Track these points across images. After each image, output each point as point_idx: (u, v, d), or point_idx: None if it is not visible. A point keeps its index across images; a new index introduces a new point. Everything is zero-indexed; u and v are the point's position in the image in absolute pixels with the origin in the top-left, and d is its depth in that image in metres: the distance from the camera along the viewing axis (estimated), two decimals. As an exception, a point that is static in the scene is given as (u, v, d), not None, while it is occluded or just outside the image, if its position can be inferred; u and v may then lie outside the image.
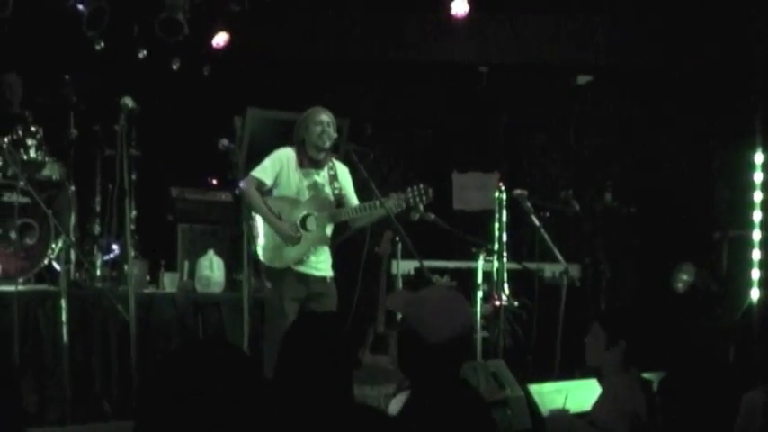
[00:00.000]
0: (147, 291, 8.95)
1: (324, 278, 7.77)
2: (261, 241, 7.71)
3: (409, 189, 7.48)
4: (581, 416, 5.58)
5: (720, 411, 4.05)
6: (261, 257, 7.71)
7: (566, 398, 6.01)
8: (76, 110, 9.24)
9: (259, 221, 7.73)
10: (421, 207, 7.83)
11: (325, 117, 7.67)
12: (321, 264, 7.77)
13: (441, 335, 4.09)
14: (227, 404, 2.47)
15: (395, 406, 4.59)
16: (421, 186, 7.48)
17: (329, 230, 7.81)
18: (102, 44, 9.69)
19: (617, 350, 5.35)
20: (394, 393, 5.51)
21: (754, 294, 9.77)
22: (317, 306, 7.52)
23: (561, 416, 5.65)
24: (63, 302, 7.44)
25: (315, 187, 7.74)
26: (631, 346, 5.32)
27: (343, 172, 7.93)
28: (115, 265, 9.14)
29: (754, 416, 4.68)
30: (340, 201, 7.81)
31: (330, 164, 7.84)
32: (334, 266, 7.92)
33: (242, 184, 7.76)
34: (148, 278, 9.26)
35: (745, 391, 4.56)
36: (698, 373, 4.18)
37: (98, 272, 8.87)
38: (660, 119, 11.42)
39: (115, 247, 9.21)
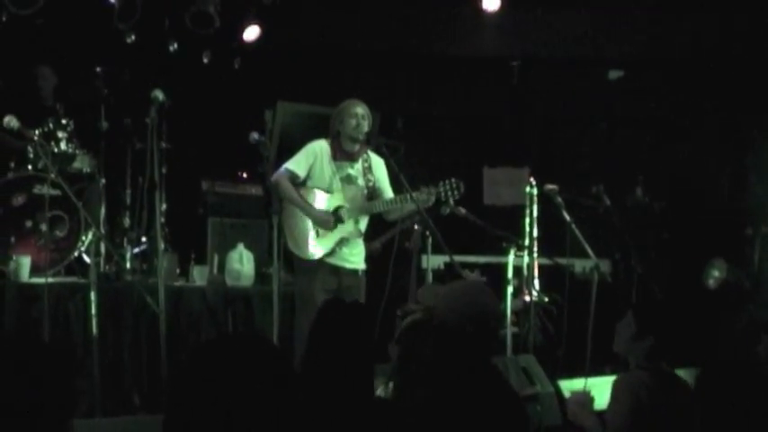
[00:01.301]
0: (176, 284, 8.95)
1: (356, 271, 7.82)
2: (293, 234, 7.73)
3: (441, 183, 7.48)
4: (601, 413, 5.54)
5: (756, 409, 4.00)
6: (293, 250, 7.74)
7: (585, 382, 6.03)
8: (107, 102, 9.26)
9: (290, 215, 7.75)
10: (452, 201, 7.84)
11: (360, 109, 7.72)
12: (354, 256, 7.81)
13: (470, 325, 4.14)
14: (257, 397, 2.47)
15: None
16: (452, 181, 7.48)
17: (362, 223, 7.84)
18: (133, 37, 9.68)
19: (644, 344, 5.33)
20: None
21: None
22: (347, 299, 7.52)
23: (580, 398, 5.64)
24: (93, 295, 7.44)
25: (348, 180, 7.78)
26: (658, 343, 5.29)
27: (377, 164, 7.95)
28: (145, 257, 9.13)
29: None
30: (373, 193, 7.84)
31: (365, 156, 7.88)
32: (366, 261, 7.94)
33: (275, 176, 7.79)
34: (178, 271, 9.26)
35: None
36: (732, 370, 4.13)
37: (128, 265, 8.87)
38: (692, 114, 11.35)
39: (145, 239, 9.22)
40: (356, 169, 7.84)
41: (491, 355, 4.39)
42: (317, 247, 7.70)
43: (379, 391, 4.73)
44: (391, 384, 4.78)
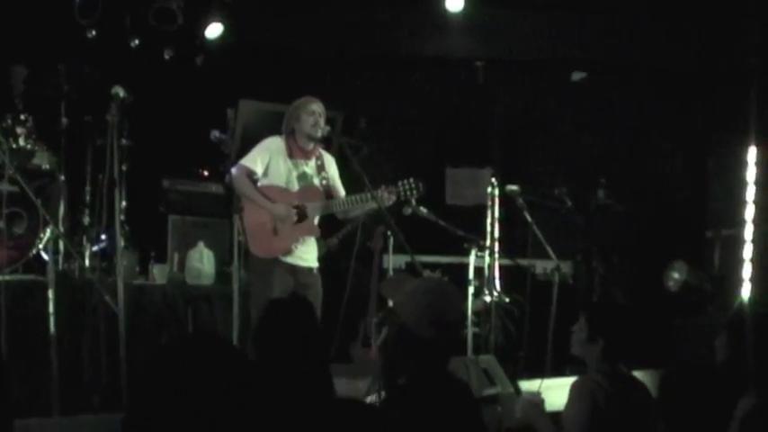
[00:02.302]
0: (136, 282, 8.90)
1: (310, 269, 7.82)
2: (250, 231, 7.67)
3: (400, 183, 7.49)
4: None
5: (715, 411, 4.01)
6: (250, 248, 7.68)
7: (540, 384, 6.04)
8: (68, 99, 9.17)
9: (247, 212, 7.69)
10: (413, 201, 7.84)
11: (317, 107, 7.72)
12: (309, 254, 7.81)
13: (429, 330, 4.09)
14: (217, 397, 2.46)
15: None
16: (411, 180, 7.50)
17: (316, 220, 7.80)
18: (95, 33, 9.61)
19: (596, 346, 5.32)
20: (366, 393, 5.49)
21: (745, 292, 9.77)
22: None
23: (532, 398, 5.64)
24: (51, 293, 7.36)
25: (304, 177, 7.77)
26: (609, 345, 5.28)
27: (329, 162, 7.98)
28: (105, 255, 9.07)
29: (749, 422, 4.63)
30: (328, 191, 7.85)
31: (318, 154, 7.86)
32: (321, 260, 7.92)
33: (232, 173, 7.73)
34: (138, 269, 9.22)
35: (736, 392, 4.52)
36: (692, 373, 4.13)
37: (87, 262, 8.80)
38: (655, 117, 11.40)
39: (104, 237, 9.14)
40: (311, 167, 7.85)
41: (448, 360, 4.33)
42: (274, 246, 7.66)
43: (370, 399, 4.70)
44: (377, 395, 4.75)
